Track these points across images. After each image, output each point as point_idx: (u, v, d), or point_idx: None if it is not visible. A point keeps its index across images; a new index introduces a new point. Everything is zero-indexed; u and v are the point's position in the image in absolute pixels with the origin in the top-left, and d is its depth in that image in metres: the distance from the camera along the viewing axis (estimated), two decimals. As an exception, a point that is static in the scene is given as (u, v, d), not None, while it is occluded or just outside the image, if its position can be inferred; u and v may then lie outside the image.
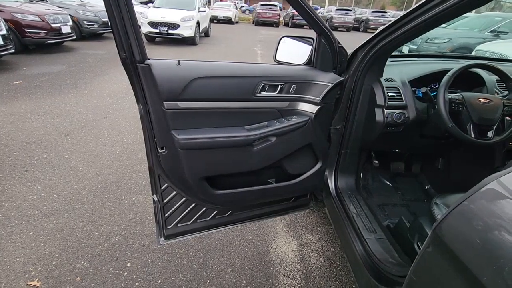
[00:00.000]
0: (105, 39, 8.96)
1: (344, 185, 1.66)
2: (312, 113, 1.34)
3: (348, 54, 1.42)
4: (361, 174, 1.84)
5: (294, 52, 1.43)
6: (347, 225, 1.44)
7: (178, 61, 1.10)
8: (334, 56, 1.33)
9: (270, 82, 1.26)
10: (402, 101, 1.43)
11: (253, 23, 19.88)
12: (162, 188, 1.34)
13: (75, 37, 7.12)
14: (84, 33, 7.95)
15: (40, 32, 5.96)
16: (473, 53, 5.43)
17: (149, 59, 1.07)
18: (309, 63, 1.40)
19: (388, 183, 1.94)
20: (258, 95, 1.25)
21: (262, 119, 1.31)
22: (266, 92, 1.27)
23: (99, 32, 8.38)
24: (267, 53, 8.71)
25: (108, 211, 2.03)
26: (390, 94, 1.43)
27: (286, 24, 19.87)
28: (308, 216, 2.14)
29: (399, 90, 1.45)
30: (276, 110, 1.33)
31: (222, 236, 1.90)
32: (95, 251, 1.70)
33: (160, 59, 1.10)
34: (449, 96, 1.33)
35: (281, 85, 1.29)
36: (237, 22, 19.97)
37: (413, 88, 1.51)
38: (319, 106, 1.32)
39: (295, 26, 18.56)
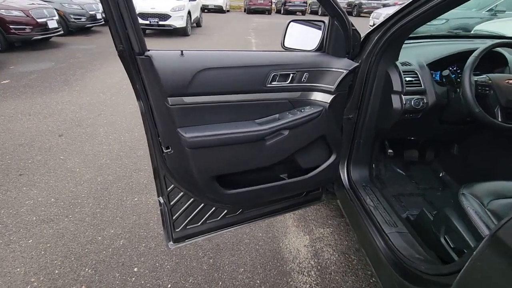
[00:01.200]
0: (94, 33, 8.69)
1: (358, 176, 1.58)
2: (326, 102, 1.25)
3: (361, 37, 1.32)
4: (374, 164, 1.76)
5: (303, 37, 1.33)
6: (364, 219, 1.37)
7: (182, 51, 0.99)
8: (347, 40, 1.23)
9: (282, 71, 1.16)
10: (421, 86, 1.35)
11: (244, 11, 19.47)
12: (169, 189, 1.25)
13: (62, 32, 6.87)
14: (72, 27, 7.68)
15: (26, 28, 5.72)
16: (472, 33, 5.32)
17: (149, 50, 0.97)
18: (320, 48, 1.30)
19: (401, 171, 1.88)
20: (269, 85, 1.15)
21: (274, 111, 1.22)
22: (277, 82, 1.17)
23: (87, 26, 8.11)
24: (261, 41, 8.53)
25: (110, 214, 1.94)
26: (407, 79, 1.34)
27: (278, 11, 19.50)
28: (318, 209, 2.07)
29: (416, 74, 1.36)
30: (288, 101, 1.24)
31: (231, 234, 1.82)
32: (99, 257, 1.62)
33: (162, 49, 1.00)
34: (475, 79, 1.25)
35: (292, 74, 1.19)
36: (228, 11, 19.55)
37: (430, 72, 1.43)
38: (333, 95, 1.23)
39: (288, 12, 18.23)
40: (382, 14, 9.70)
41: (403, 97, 1.32)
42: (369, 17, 11.37)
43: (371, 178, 1.60)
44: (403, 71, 1.34)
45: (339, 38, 1.23)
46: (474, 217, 0.99)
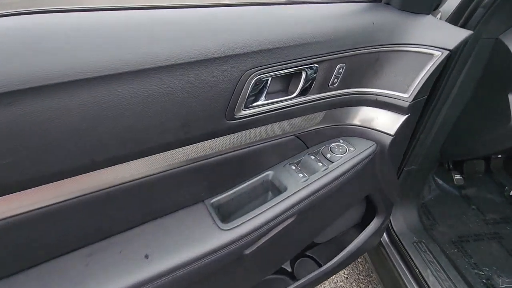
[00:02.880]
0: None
1: (404, 225, 0.96)
2: (389, 133, 0.52)
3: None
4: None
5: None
6: None
7: None
8: None
9: (276, 67, 0.40)
10: None
11: None
12: None
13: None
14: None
15: None
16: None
17: None
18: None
19: (452, 190, 1.24)
20: (244, 112, 0.40)
21: (255, 167, 0.49)
22: (264, 100, 0.42)
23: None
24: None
25: None
26: None
27: None
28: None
29: None
30: (294, 136, 0.50)
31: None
32: None
33: None
34: None
35: (305, 70, 0.43)
36: None
37: None
38: (407, 115, 0.50)
39: None
40: None
41: None
42: None
43: (425, 226, 0.96)
44: None
45: None
46: None
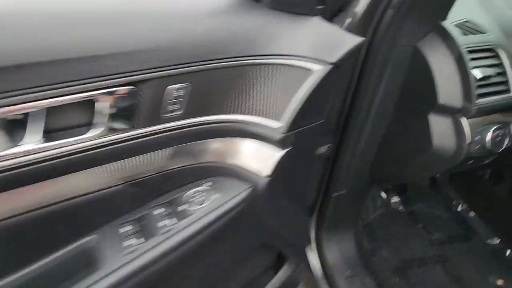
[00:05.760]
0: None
1: (339, 255, 0.86)
2: (263, 175, 0.38)
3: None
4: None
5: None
6: None
7: None
8: None
9: (42, 92, 0.25)
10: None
11: None
12: None
13: None
14: None
15: None
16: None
17: None
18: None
19: (399, 207, 1.16)
20: None
21: (67, 234, 0.34)
22: (43, 140, 0.27)
23: None
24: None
25: None
26: (477, 73, 0.52)
27: None
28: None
29: (498, 57, 0.55)
30: (127, 184, 0.35)
31: None
32: None
33: None
34: None
35: (106, 95, 0.28)
36: None
37: None
38: (286, 150, 0.37)
39: None
40: None
41: (465, 123, 0.52)
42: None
43: (362, 255, 0.87)
44: (469, 50, 0.51)
45: None
46: None
